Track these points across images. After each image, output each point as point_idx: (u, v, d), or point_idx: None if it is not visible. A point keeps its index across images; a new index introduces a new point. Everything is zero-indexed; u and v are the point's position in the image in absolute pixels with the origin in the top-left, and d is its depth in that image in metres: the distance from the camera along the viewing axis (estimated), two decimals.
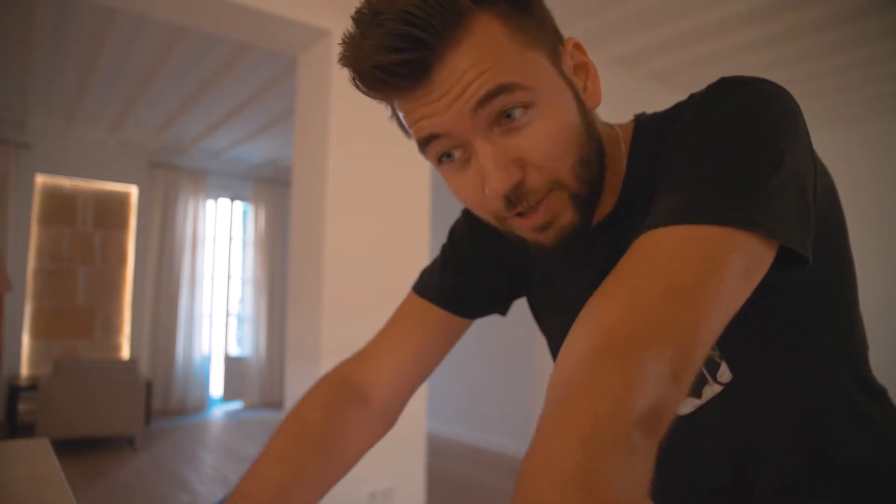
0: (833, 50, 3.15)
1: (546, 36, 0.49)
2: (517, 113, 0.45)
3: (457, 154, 0.48)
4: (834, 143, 4.29)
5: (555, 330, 0.66)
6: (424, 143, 0.48)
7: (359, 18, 0.45)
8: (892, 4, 2.69)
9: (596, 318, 0.38)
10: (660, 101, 3.97)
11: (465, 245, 0.69)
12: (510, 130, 0.46)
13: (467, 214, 0.70)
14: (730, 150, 0.43)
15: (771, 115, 0.44)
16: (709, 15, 2.82)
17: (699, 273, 0.38)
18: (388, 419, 0.66)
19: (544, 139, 0.46)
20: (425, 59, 0.43)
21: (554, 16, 0.53)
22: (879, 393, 0.58)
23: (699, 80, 3.53)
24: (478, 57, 0.44)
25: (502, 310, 0.72)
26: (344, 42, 0.45)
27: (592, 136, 0.50)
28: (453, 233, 0.71)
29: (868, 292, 4.03)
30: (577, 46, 0.52)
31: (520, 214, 0.49)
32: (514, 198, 0.47)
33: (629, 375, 0.33)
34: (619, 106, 3.28)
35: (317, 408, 0.62)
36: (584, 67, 0.52)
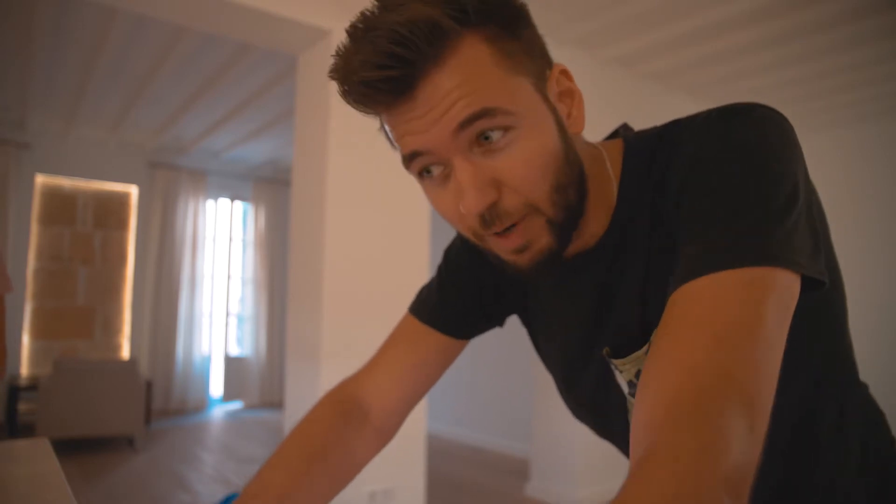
0: (832, 50, 3.15)
1: (532, 61, 0.49)
2: (495, 136, 0.46)
3: (436, 171, 0.49)
4: (834, 143, 4.30)
5: (556, 354, 0.66)
6: (408, 159, 0.49)
7: (353, 32, 0.46)
8: (891, 5, 2.69)
9: (659, 382, 0.38)
10: (660, 101, 3.98)
11: (460, 266, 0.70)
12: (489, 151, 0.47)
13: (462, 235, 0.72)
14: (746, 188, 0.44)
15: (776, 144, 0.46)
16: (708, 16, 2.83)
17: (744, 319, 0.39)
18: (386, 434, 0.69)
19: (522, 162, 0.47)
20: (409, 77, 0.44)
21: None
22: (863, 391, 0.61)
23: (699, 80, 3.54)
24: (462, 79, 0.45)
25: (499, 323, 0.73)
26: (337, 55, 0.47)
27: (572, 163, 0.51)
28: (448, 253, 0.72)
29: (868, 292, 4.02)
30: (564, 73, 0.53)
31: (497, 234, 0.49)
32: (489, 217, 0.48)
33: (708, 438, 0.33)
34: (619, 105, 3.30)
35: (319, 421, 0.65)
36: (569, 93, 0.53)
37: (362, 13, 0.46)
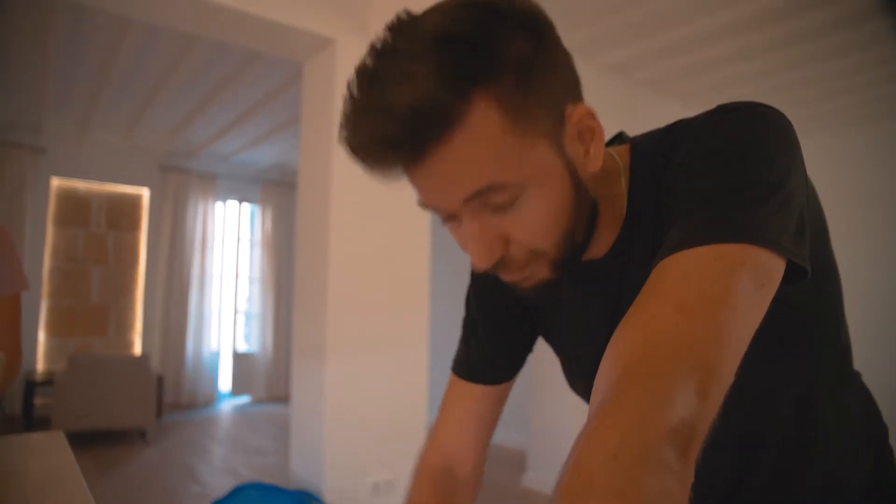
0: (820, 58, 3.19)
1: (549, 111, 0.46)
2: (505, 202, 0.46)
3: (450, 220, 0.50)
4: (821, 148, 4.33)
5: (571, 355, 0.67)
6: (422, 206, 0.50)
7: (357, 79, 0.44)
8: (879, 12, 2.74)
9: (620, 347, 0.39)
10: (652, 107, 4.02)
11: (478, 315, 0.71)
12: (497, 210, 0.47)
13: (473, 279, 0.73)
14: (731, 173, 0.44)
15: (768, 136, 0.46)
16: (700, 25, 2.87)
17: (709, 290, 0.39)
18: (475, 481, 0.72)
19: (530, 222, 0.47)
20: (414, 154, 0.44)
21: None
22: (853, 379, 0.62)
23: (690, 88, 3.57)
24: (469, 152, 0.43)
25: (530, 349, 0.75)
26: (343, 116, 0.46)
27: (582, 205, 0.51)
28: (467, 303, 0.73)
29: (866, 293, 4.05)
30: (588, 114, 0.50)
31: None
32: (496, 268, 0.49)
33: (654, 392, 0.34)
34: (614, 112, 3.36)
35: (424, 493, 0.69)
36: (590, 131, 0.50)
37: (363, 64, 0.44)
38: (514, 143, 0.44)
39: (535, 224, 0.47)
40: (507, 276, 0.51)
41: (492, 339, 0.70)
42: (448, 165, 0.43)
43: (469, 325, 0.73)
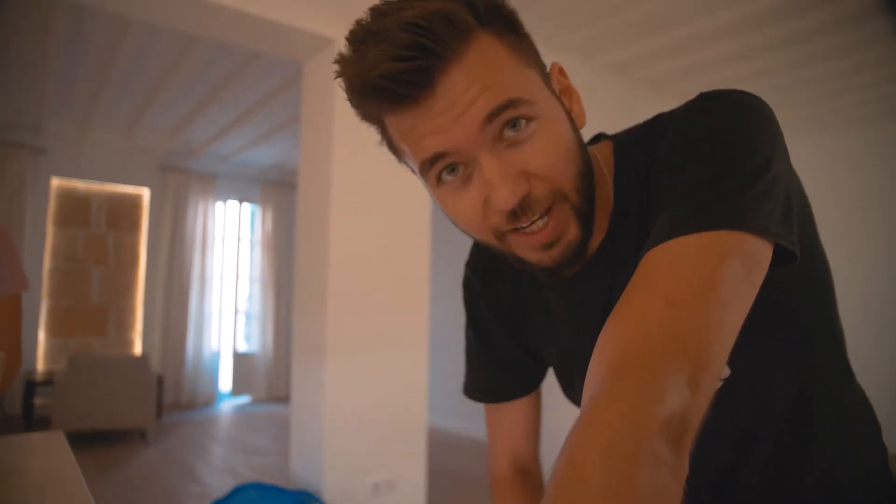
0: (820, 58, 3.20)
1: (537, 61, 0.50)
2: (522, 124, 0.46)
3: (459, 171, 0.47)
4: (821, 148, 4.34)
5: (567, 361, 0.67)
6: (429, 163, 0.47)
7: (353, 39, 0.45)
8: (879, 12, 2.75)
9: (609, 342, 0.38)
10: (652, 107, 4.03)
11: (479, 346, 0.73)
12: (513, 145, 0.46)
13: (468, 308, 0.74)
14: (714, 161, 0.44)
15: (750, 122, 0.46)
16: (700, 25, 2.88)
17: (697, 280, 0.38)
18: (539, 472, 0.75)
19: (547, 151, 0.47)
20: (432, 68, 0.43)
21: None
22: (851, 377, 0.61)
23: (690, 88, 3.59)
24: (482, 72, 0.44)
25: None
26: (342, 60, 0.46)
27: (584, 152, 0.52)
28: (468, 336, 0.75)
29: (866, 293, 4.05)
30: (561, 71, 0.54)
31: (518, 230, 0.49)
32: (520, 210, 0.47)
33: (644, 386, 0.33)
34: (614, 112, 3.37)
35: (509, 498, 0.72)
36: (567, 91, 0.53)
37: (359, 21, 0.45)
38: (519, 69, 0.47)
39: (553, 154, 0.47)
40: (539, 238, 0.49)
41: (499, 363, 0.72)
42: (462, 86, 0.44)
43: (473, 353, 0.74)
